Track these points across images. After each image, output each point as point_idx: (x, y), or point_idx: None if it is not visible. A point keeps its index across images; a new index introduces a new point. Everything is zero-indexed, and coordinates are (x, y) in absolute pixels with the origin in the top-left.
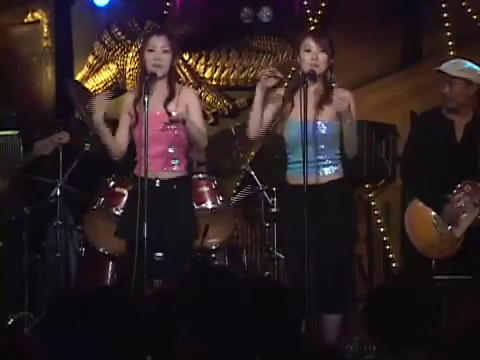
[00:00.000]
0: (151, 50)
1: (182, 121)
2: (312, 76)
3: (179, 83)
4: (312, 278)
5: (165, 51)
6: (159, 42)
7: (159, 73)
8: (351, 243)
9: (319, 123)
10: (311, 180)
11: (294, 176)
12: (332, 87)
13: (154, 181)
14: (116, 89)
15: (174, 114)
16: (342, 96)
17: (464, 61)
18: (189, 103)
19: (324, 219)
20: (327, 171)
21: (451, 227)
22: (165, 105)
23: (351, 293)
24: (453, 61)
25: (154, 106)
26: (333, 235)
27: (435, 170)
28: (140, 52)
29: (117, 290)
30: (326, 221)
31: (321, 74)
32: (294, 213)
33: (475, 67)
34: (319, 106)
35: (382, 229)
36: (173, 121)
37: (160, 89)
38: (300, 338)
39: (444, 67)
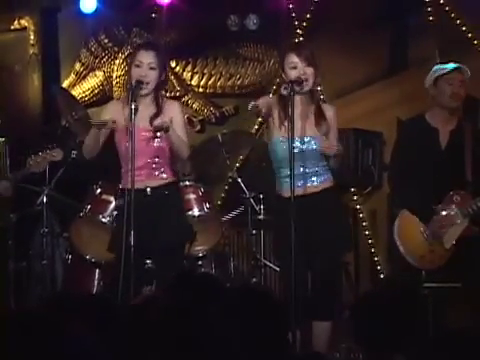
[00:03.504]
0: (138, 66)
1: (165, 129)
2: (299, 83)
3: (165, 92)
4: (306, 289)
5: (152, 68)
6: (147, 58)
7: (144, 91)
8: (341, 251)
9: (308, 138)
10: (305, 190)
11: (286, 189)
12: (320, 100)
13: (145, 190)
14: (103, 96)
15: (157, 122)
16: (328, 145)
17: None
18: (173, 116)
19: (317, 228)
20: (316, 181)
21: (440, 238)
22: (151, 122)
23: (338, 300)
24: (444, 64)
25: (139, 121)
26: (324, 243)
27: (421, 177)
28: (128, 63)
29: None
30: (319, 229)
31: (309, 87)
32: (288, 225)
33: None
34: (307, 120)
35: (369, 236)
36: (157, 129)
37: (146, 104)
38: (287, 345)
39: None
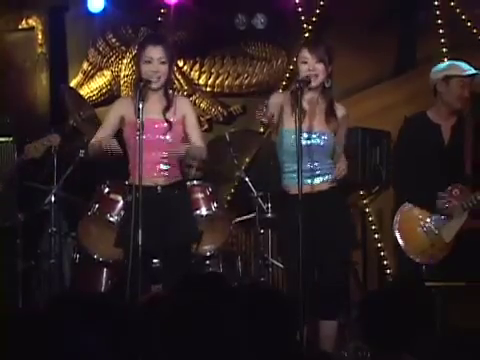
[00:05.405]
0: (148, 61)
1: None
2: (307, 83)
3: (173, 90)
4: (312, 286)
5: (162, 62)
6: (156, 53)
7: (156, 85)
8: (348, 250)
9: (316, 133)
10: (306, 189)
11: (293, 185)
12: (332, 99)
13: (155, 188)
14: (110, 96)
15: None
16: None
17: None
18: (186, 114)
19: (322, 227)
20: (321, 180)
21: (441, 231)
22: (164, 113)
23: (346, 299)
24: (457, 62)
25: (150, 114)
26: (330, 242)
27: (424, 174)
28: (136, 60)
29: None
30: (324, 229)
31: (319, 84)
32: (295, 223)
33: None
34: (317, 116)
35: (376, 236)
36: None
37: (156, 98)
38: (295, 344)
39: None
